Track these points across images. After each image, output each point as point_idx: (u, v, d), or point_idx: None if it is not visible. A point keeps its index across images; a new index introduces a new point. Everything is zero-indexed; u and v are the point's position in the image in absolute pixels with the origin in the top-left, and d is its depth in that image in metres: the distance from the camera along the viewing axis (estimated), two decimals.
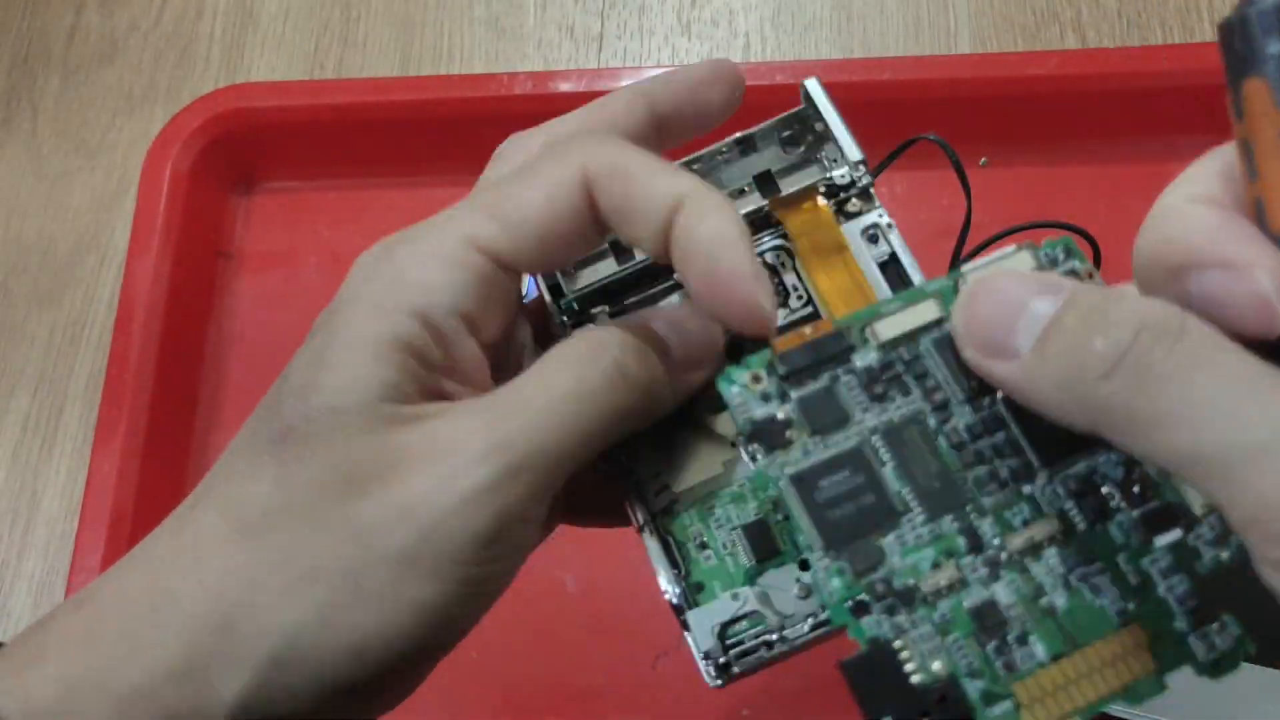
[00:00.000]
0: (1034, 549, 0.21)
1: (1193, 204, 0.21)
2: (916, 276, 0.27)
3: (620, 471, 0.26)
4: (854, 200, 0.28)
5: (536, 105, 0.53)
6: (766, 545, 0.25)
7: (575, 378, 0.22)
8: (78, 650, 0.22)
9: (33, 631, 0.23)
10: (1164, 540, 0.22)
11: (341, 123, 0.55)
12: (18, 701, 0.21)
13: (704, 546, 0.26)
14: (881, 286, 0.27)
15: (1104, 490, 0.22)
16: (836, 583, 0.21)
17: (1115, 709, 0.41)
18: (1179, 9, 0.57)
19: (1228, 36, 0.20)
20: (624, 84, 0.53)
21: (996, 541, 0.21)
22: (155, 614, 0.22)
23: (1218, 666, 0.22)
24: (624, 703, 0.46)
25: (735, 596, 0.25)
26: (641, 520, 0.26)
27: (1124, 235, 0.53)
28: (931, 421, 0.22)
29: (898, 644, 0.21)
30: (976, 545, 0.21)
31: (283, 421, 0.22)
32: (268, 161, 0.56)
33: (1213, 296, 0.19)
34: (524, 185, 0.23)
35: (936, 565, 0.21)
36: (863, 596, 0.21)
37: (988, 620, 0.21)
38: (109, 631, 0.22)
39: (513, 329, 0.25)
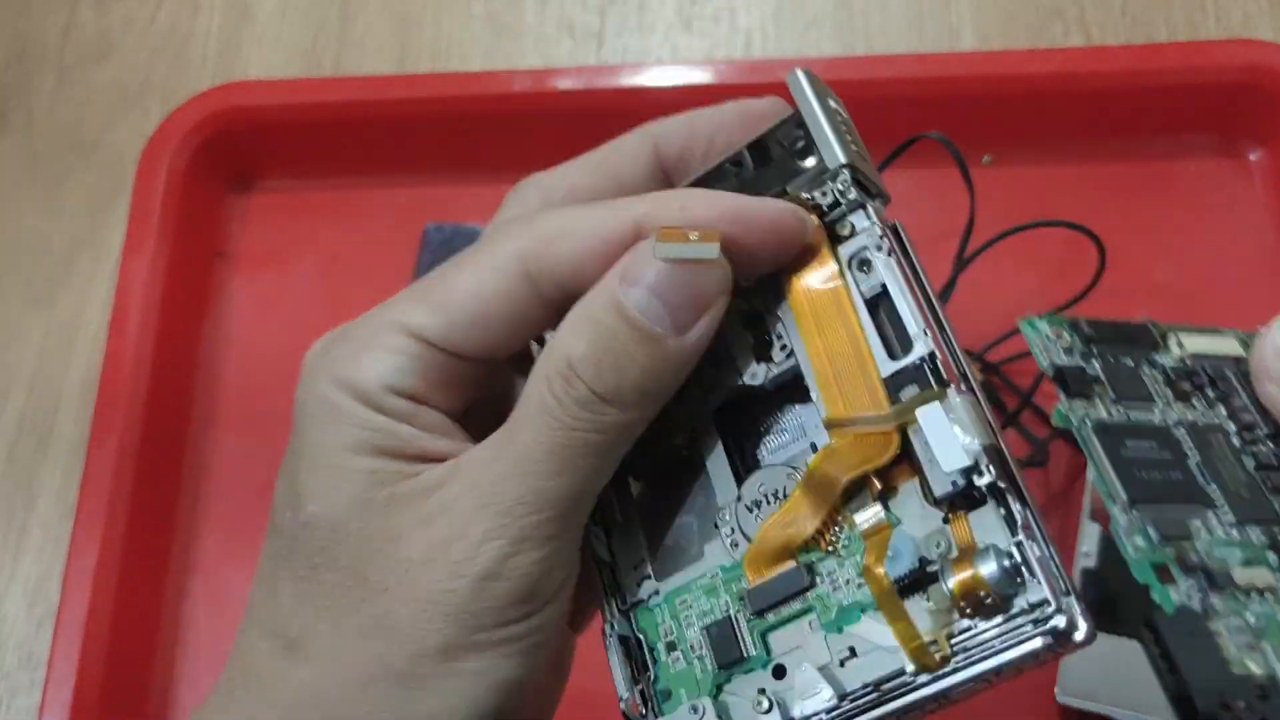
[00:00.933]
0: None
1: None
2: (912, 318, 0.22)
3: (594, 559, 0.25)
4: (845, 221, 0.24)
5: (535, 103, 0.53)
6: (730, 650, 0.23)
7: (557, 421, 0.21)
8: None
9: None
10: None
11: (339, 121, 0.55)
12: None
13: (672, 647, 0.24)
14: (872, 341, 0.23)
15: None
16: (1141, 540, 0.20)
17: (1115, 709, 0.41)
18: (1184, 6, 0.56)
19: None
20: (623, 81, 0.53)
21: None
22: None
23: None
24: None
25: (694, 710, 0.23)
26: (607, 623, 0.25)
27: (1129, 233, 0.53)
28: (1235, 440, 0.21)
29: (1213, 626, 0.20)
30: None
31: (284, 537, 0.23)
32: (264, 160, 0.56)
33: None
34: (457, 271, 0.23)
35: (1249, 563, 0.20)
36: (1169, 563, 0.20)
37: None
38: None
39: (478, 384, 0.24)
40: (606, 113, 0.53)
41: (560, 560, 0.22)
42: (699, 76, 0.53)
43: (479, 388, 0.24)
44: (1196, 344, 0.23)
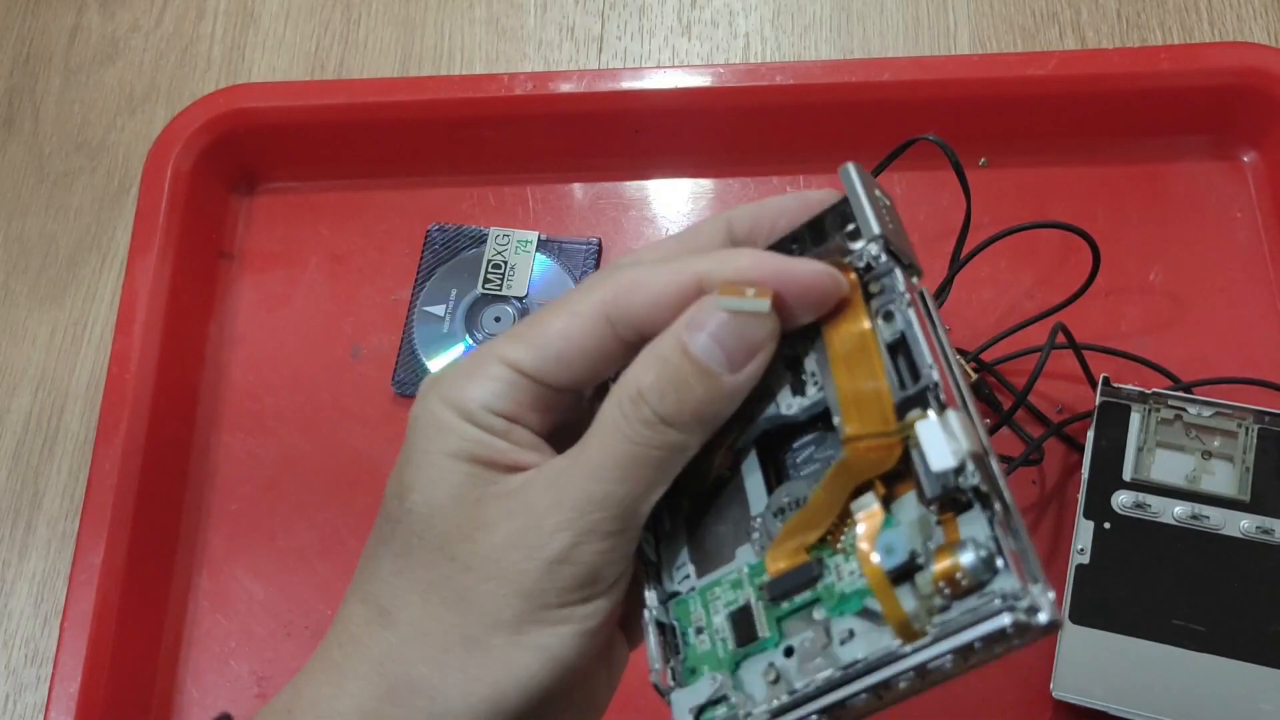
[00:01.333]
0: None
1: None
2: (923, 357, 0.25)
3: (644, 560, 0.29)
4: (878, 282, 0.27)
5: (537, 106, 0.53)
6: (748, 631, 0.27)
7: (623, 435, 0.25)
8: None
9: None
10: None
11: (342, 123, 0.55)
12: None
13: (700, 631, 0.28)
14: (890, 379, 0.26)
15: None
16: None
17: (1110, 705, 0.42)
18: (1178, 9, 0.57)
19: None
20: (624, 85, 0.54)
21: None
22: (337, 689, 0.26)
23: None
24: (624, 703, 0.46)
25: (714, 680, 0.27)
26: (647, 609, 0.28)
27: (1122, 235, 0.54)
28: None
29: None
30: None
31: (389, 522, 0.27)
32: (269, 162, 0.56)
33: None
34: (551, 315, 0.27)
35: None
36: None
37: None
38: (302, 709, 0.26)
39: (565, 409, 0.28)
40: (607, 115, 0.54)
41: (618, 555, 0.26)
42: (699, 80, 0.53)
43: (565, 413, 0.28)
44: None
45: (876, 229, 0.27)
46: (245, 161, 0.56)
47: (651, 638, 0.28)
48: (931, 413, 0.24)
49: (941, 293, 0.45)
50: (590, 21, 0.60)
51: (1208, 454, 0.44)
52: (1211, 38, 0.56)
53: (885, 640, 0.24)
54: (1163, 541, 0.43)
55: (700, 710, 0.27)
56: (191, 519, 0.50)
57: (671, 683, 0.28)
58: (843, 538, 0.26)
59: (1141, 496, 0.43)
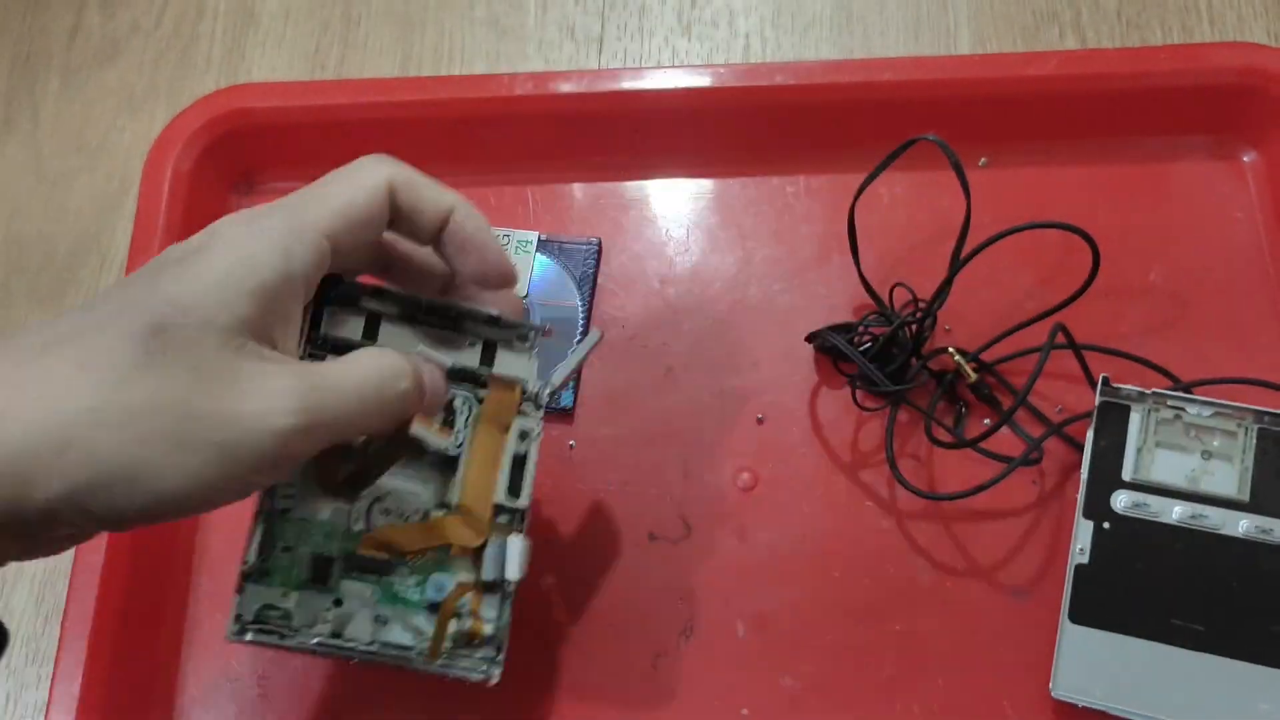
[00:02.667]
0: None
1: None
2: (528, 485, 0.39)
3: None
4: (529, 405, 0.39)
5: (537, 106, 0.53)
6: (322, 574, 0.37)
7: (380, 381, 0.33)
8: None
9: None
10: None
11: (342, 123, 0.55)
12: None
13: (288, 550, 0.37)
14: (503, 478, 0.39)
15: None
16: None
17: (1111, 705, 0.42)
18: (1178, 9, 0.57)
19: None
20: (624, 85, 0.54)
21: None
22: (14, 397, 0.28)
23: None
24: (624, 703, 0.46)
25: (285, 595, 0.37)
26: (262, 510, 0.37)
27: (1123, 235, 0.54)
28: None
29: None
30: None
31: (154, 316, 0.29)
32: (269, 162, 0.56)
33: None
34: (332, 183, 0.35)
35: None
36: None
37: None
38: None
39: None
40: (607, 115, 0.54)
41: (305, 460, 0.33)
42: (699, 80, 0.53)
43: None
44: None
45: (550, 387, 0.40)
46: (245, 161, 0.56)
47: (256, 532, 0.37)
48: (520, 533, 0.38)
49: (941, 293, 0.45)
50: (590, 21, 0.60)
51: (1208, 454, 0.44)
52: (1212, 37, 0.56)
53: (410, 642, 0.38)
54: (1162, 541, 0.43)
55: (264, 608, 0.37)
56: (192, 519, 0.50)
57: (250, 572, 0.37)
58: (419, 559, 0.38)
59: (1141, 496, 0.44)
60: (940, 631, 0.45)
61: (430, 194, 0.36)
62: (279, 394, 0.30)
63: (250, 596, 0.37)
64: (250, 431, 0.29)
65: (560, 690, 0.46)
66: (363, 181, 0.34)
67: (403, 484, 0.38)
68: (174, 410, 0.28)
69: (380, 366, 0.33)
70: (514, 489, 0.39)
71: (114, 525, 0.29)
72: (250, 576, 0.37)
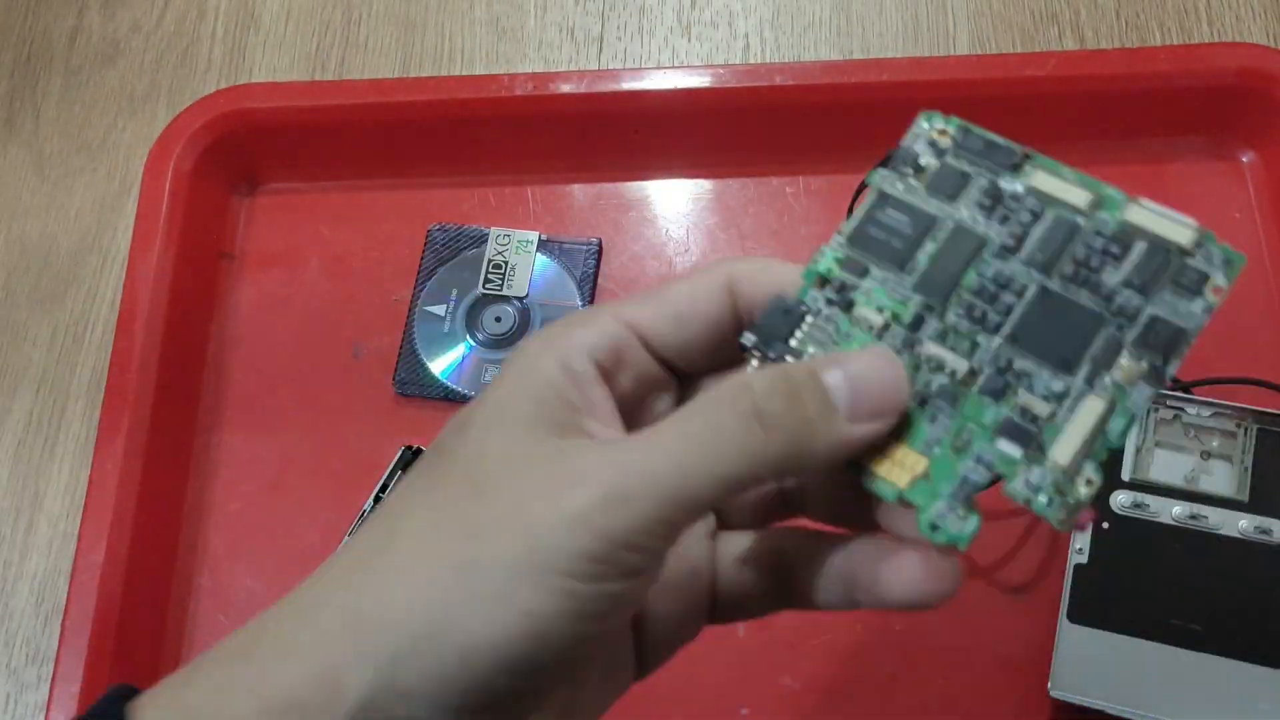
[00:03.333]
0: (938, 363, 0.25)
1: None
2: None
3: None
4: None
5: (537, 106, 0.54)
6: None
7: (706, 419, 0.23)
8: (234, 658, 0.24)
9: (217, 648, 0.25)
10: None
11: (343, 124, 0.55)
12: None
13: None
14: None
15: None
16: (825, 260, 0.26)
17: (1110, 705, 0.42)
18: (1177, 10, 0.57)
19: None
20: (624, 85, 0.54)
21: (929, 332, 0.25)
22: (303, 618, 0.24)
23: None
24: (624, 702, 0.46)
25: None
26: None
27: None
28: (987, 254, 0.25)
29: (809, 317, 0.26)
30: (917, 326, 0.25)
31: (437, 450, 0.25)
32: (270, 162, 0.57)
33: None
34: (673, 282, 0.27)
35: (880, 310, 0.25)
36: (830, 276, 0.26)
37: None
38: (265, 638, 0.24)
39: (646, 394, 0.27)
40: (607, 116, 0.54)
41: (646, 542, 0.23)
42: (698, 80, 0.53)
43: (656, 386, 0.27)
44: (1045, 183, 0.27)
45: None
46: (246, 162, 0.56)
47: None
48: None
49: None
50: (590, 22, 0.60)
51: (1207, 454, 0.44)
52: (1210, 38, 0.56)
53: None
54: (1161, 541, 0.43)
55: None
56: (192, 518, 0.50)
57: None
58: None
59: (1140, 496, 0.44)
60: (939, 631, 0.45)
61: (788, 275, 0.26)
62: (574, 470, 0.23)
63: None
64: (542, 528, 0.22)
65: None
66: (694, 277, 0.27)
67: None
68: (450, 539, 0.23)
69: (706, 399, 0.24)
70: None
71: None
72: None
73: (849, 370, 0.24)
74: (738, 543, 0.28)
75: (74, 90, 0.61)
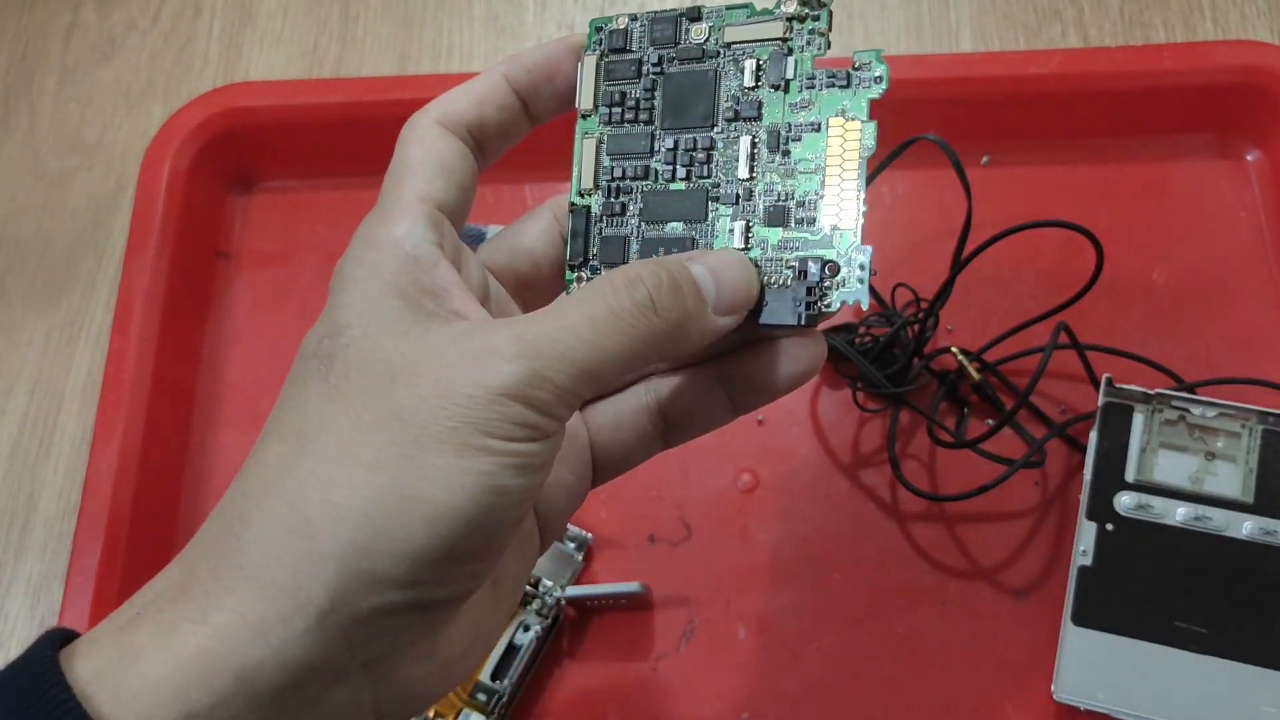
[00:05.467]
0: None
1: None
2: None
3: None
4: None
5: None
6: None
7: (609, 305, 0.25)
8: (174, 594, 0.25)
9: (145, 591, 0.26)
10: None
11: (340, 122, 0.55)
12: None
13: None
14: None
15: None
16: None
17: (1114, 708, 0.41)
18: (1181, 7, 0.56)
19: None
20: None
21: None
22: (236, 542, 0.23)
23: None
24: (624, 705, 0.45)
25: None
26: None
27: (1125, 235, 0.54)
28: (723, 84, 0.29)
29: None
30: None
31: (319, 357, 0.25)
32: (266, 161, 0.56)
33: None
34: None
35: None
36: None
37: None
38: (200, 571, 0.24)
39: (458, 258, 0.28)
40: None
41: (562, 410, 0.24)
42: None
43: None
44: (738, 34, 0.29)
45: None
46: (242, 160, 0.56)
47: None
48: None
49: (943, 293, 0.45)
50: (589, 18, 0.60)
51: (1211, 455, 0.44)
52: (1215, 36, 0.56)
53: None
54: (1166, 543, 0.43)
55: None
56: (188, 519, 0.50)
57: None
58: None
59: (1144, 498, 0.43)
60: (942, 633, 0.45)
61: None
62: (485, 349, 0.24)
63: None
64: (472, 403, 0.23)
65: (560, 693, 0.45)
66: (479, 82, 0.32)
67: None
68: (384, 426, 0.24)
69: (602, 285, 0.26)
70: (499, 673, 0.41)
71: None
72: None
73: (710, 265, 0.27)
74: (605, 408, 0.30)
75: (70, 88, 0.61)
